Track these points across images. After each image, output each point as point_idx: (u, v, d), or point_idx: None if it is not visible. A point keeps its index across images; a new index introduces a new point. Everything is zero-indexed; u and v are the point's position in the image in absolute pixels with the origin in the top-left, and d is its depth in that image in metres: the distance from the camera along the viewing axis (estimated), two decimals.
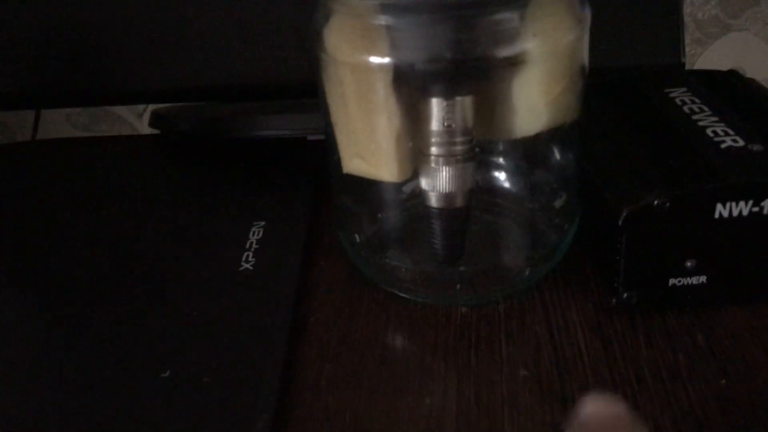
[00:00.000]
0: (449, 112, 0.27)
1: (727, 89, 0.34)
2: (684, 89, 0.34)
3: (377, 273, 0.32)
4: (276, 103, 0.43)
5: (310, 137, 0.40)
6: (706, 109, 0.32)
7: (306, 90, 0.34)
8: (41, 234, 0.37)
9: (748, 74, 0.59)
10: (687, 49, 0.57)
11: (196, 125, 0.43)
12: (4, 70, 0.46)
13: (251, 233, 0.35)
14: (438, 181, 0.28)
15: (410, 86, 0.27)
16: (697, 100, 0.33)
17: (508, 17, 0.25)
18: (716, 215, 0.27)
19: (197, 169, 0.42)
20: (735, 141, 0.29)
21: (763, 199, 0.27)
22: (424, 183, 0.29)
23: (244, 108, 0.43)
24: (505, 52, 0.25)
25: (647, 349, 0.28)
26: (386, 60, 0.26)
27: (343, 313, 0.31)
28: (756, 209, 0.27)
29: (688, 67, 0.58)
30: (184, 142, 0.45)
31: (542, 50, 0.26)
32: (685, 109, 0.32)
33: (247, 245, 0.34)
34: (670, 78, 0.35)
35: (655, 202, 0.27)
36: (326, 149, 0.31)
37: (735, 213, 0.27)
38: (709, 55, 0.58)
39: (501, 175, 0.34)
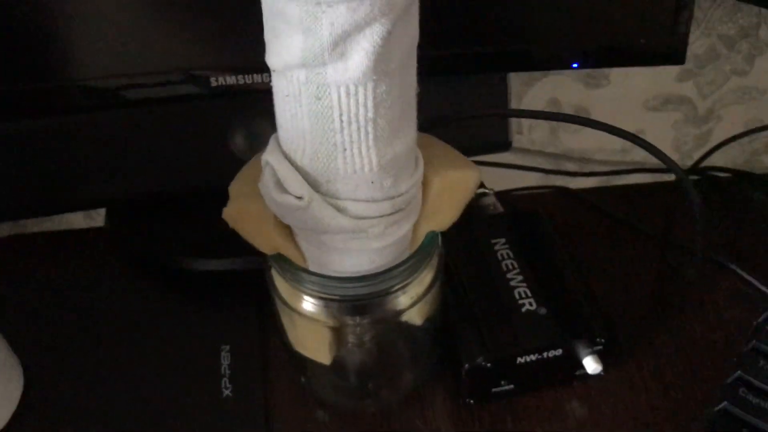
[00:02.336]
0: (359, 334, 0.44)
1: (531, 237, 0.52)
2: (503, 241, 0.52)
3: (320, 396, 0.49)
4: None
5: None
6: (516, 266, 0.50)
7: None
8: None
9: (562, 103, 0.76)
10: (519, 88, 0.73)
11: (152, 256, 0.56)
12: None
13: (222, 358, 0.51)
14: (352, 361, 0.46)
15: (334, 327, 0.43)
16: (511, 255, 0.51)
17: (393, 295, 0.41)
18: (518, 362, 0.46)
19: (154, 288, 0.56)
20: (531, 304, 0.48)
21: (542, 352, 0.46)
22: (344, 359, 0.46)
23: (196, 237, 0.56)
24: (392, 310, 0.42)
25: (479, 425, 0.48)
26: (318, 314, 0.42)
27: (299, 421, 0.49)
28: (539, 357, 0.46)
29: (519, 98, 0.74)
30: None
31: (414, 302, 0.42)
32: (503, 265, 0.50)
33: (222, 371, 0.50)
34: (495, 226, 0.53)
35: (482, 363, 0.46)
36: (282, 334, 0.46)
37: (529, 360, 0.46)
38: (535, 91, 0.74)
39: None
